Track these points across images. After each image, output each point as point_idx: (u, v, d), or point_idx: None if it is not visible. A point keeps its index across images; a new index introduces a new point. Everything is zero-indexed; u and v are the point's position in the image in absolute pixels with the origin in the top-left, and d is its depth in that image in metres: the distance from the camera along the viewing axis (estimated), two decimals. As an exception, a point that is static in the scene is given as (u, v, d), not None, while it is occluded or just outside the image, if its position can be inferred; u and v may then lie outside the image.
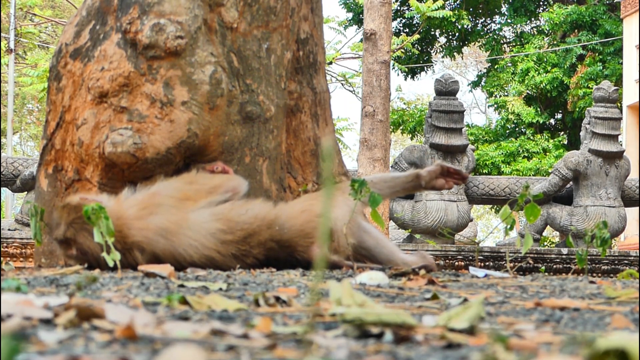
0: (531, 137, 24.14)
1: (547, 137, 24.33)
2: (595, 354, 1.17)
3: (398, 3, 26.15)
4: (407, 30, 26.16)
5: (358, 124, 21.23)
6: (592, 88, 20.77)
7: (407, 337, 1.46)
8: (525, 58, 24.22)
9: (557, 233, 20.21)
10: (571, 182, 10.50)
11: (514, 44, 27.05)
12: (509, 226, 3.47)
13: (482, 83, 26.80)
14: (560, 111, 25.56)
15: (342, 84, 20.19)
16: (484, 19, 27.47)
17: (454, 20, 24.61)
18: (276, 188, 3.54)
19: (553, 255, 9.54)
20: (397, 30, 25.68)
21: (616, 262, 9.55)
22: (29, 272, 2.79)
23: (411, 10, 21.56)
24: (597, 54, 23.95)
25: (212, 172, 3.32)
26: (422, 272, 3.00)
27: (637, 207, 10.86)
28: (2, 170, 10.19)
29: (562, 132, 26.01)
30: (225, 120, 3.40)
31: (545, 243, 20.01)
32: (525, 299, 2.25)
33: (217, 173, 3.32)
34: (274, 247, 3.16)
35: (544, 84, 23.77)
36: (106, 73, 3.34)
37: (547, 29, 25.16)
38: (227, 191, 3.25)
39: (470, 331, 1.55)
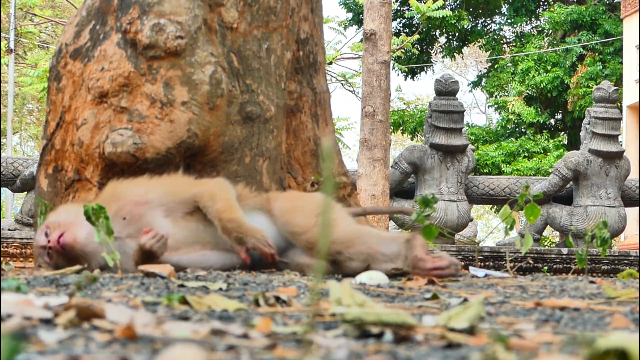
0: (531, 137, 24.12)
1: (547, 137, 24.32)
2: (595, 354, 1.17)
3: (398, 3, 26.14)
4: (407, 30, 26.13)
5: (358, 124, 21.22)
6: (592, 88, 20.75)
7: (407, 337, 1.46)
8: (525, 58, 24.21)
9: (557, 233, 20.21)
10: (571, 182, 10.49)
11: (514, 44, 27.04)
12: (509, 226, 3.47)
13: (482, 83, 26.79)
14: (561, 111, 25.55)
15: (342, 84, 20.17)
16: (484, 19, 27.45)
17: (454, 20, 24.60)
18: (276, 188, 3.54)
19: (553, 255, 9.53)
20: (397, 30, 25.66)
21: (616, 262, 9.54)
22: (29, 272, 2.79)
23: (411, 10, 21.53)
24: (597, 54, 23.94)
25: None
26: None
27: (637, 207, 10.85)
28: (2, 170, 10.18)
29: (562, 132, 26.00)
30: (225, 120, 3.40)
31: (545, 243, 20.01)
32: (525, 299, 2.25)
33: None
34: None
35: (544, 84, 23.76)
36: (106, 73, 3.34)
37: (548, 28, 25.14)
38: None
39: (470, 331, 1.55)
